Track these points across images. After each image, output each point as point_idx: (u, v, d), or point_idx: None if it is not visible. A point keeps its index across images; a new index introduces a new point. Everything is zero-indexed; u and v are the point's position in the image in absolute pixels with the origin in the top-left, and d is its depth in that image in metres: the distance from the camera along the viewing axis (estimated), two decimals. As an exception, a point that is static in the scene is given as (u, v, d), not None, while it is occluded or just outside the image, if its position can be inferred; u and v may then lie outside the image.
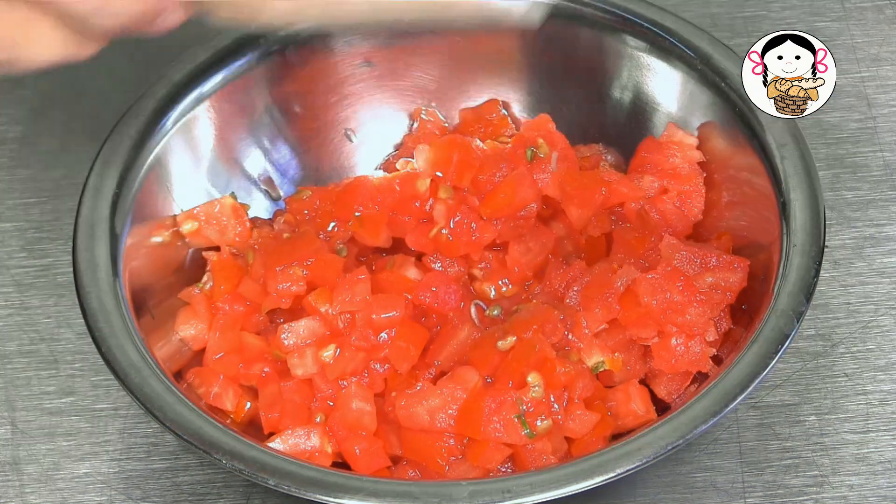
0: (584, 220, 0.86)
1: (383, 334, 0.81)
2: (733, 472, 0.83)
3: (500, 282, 0.85)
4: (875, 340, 0.89)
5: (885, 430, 0.84)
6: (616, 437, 0.80)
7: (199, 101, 0.88)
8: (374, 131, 0.95)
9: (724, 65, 0.86)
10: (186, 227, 0.87)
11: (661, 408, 0.81)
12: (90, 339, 0.77)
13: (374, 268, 0.86)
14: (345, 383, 0.80)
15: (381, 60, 0.93)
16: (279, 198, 0.93)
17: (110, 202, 0.82)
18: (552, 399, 0.78)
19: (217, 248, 0.87)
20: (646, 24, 0.89)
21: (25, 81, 1.03)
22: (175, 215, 0.87)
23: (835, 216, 0.94)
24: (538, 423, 0.76)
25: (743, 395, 0.72)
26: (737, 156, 0.85)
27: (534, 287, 0.85)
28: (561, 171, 0.86)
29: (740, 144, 0.85)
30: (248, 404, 0.82)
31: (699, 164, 0.88)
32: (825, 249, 0.78)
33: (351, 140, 0.95)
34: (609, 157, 0.93)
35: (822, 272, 0.77)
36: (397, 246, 0.88)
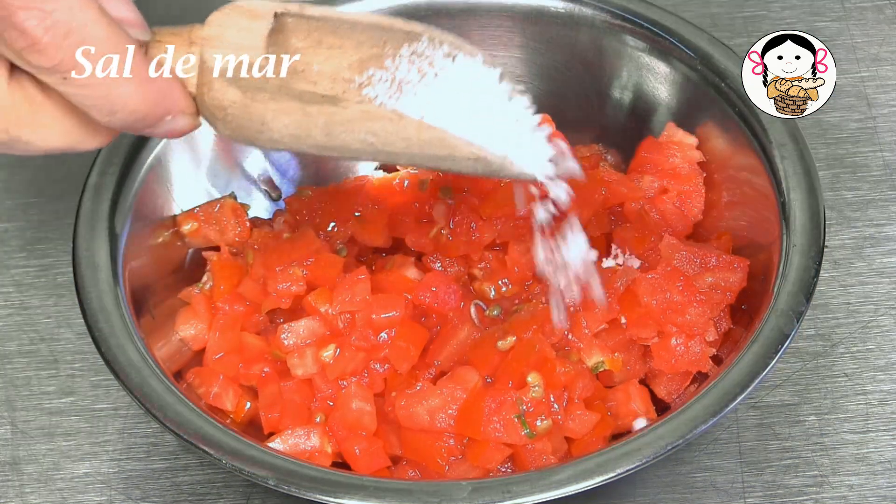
0: (583, 220, 0.86)
1: (383, 334, 0.81)
2: (733, 472, 0.83)
3: (500, 282, 0.85)
4: (875, 340, 0.88)
5: (884, 430, 0.84)
6: (616, 437, 0.80)
7: (199, 100, 0.88)
8: (375, 131, 0.95)
9: (724, 65, 0.86)
10: (186, 227, 0.87)
11: (661, 408, 0.81)
12: (90, 339, 0.77)
13: (374, 268, 0.86)
14: (345, 383, 0.80)
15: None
16: (279, 198, 0.92)
17: (110, 202, 0.82)
18: (552, 399, 0.78)
19: (217, 248, 0.87)
20: (646, 24, 0.89)
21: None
22: (175, 215, 0.87)
23: (835, 216, 0.94)
24: (538, 423, 0.76)
25: (743, 396, 0.72)
26: (737, 156, 0.85)
27: (534, 287, 0.85)
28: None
29: (740, 144, 0.85)
30: (248, 404, 0.82)
31: (699, 164, 0.88)
32: (825, 249, 0.78)
33: (351, 140, 0.95)
34: (609, 158, 0.93)
35: (821, 272, 0.77)
36: (397, 246, 0.88)
